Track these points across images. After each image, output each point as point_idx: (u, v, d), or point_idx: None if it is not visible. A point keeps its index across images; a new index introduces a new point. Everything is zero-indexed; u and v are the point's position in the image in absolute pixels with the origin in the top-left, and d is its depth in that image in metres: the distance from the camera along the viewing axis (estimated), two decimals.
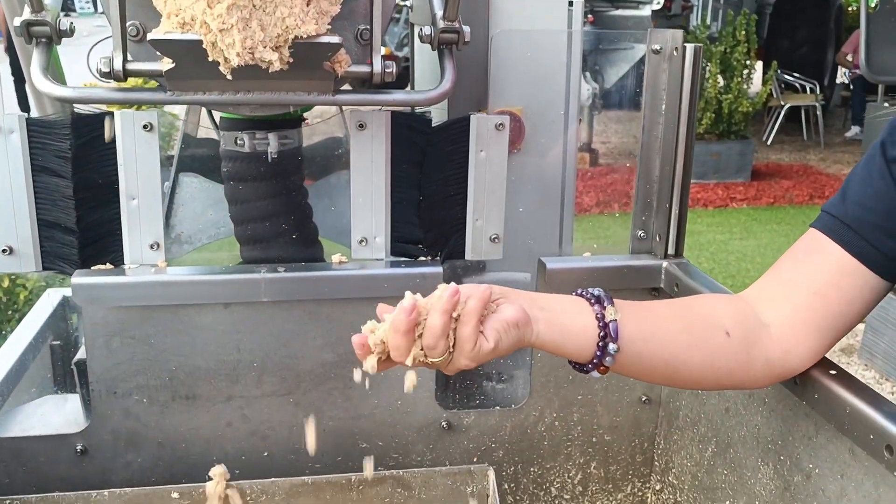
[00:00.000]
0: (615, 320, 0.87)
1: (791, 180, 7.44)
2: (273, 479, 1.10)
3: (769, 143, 8.88)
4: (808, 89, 9.12)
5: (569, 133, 1.44)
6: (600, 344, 0.86)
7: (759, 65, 7.80)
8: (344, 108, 1.42)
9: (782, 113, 8.89)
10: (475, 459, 1.36)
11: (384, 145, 1.22)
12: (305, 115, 1.33)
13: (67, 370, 1.62)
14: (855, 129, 9.31)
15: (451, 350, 0.83)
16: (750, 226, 6.22)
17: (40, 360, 1.63)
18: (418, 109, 1.29)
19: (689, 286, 1.25)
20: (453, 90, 1.13)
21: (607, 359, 0.87)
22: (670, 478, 1.39)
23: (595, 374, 0.89)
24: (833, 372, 0.92)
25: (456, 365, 0.84)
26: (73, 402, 1.46)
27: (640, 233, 1.36)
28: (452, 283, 0.83)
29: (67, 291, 1.76)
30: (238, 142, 1.23)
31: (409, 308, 0.82)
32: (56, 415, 1.42)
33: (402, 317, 0.82)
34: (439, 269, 1.24)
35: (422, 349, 0.83)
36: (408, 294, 0.84)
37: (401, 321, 0.82)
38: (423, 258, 1.29)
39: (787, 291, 0.93)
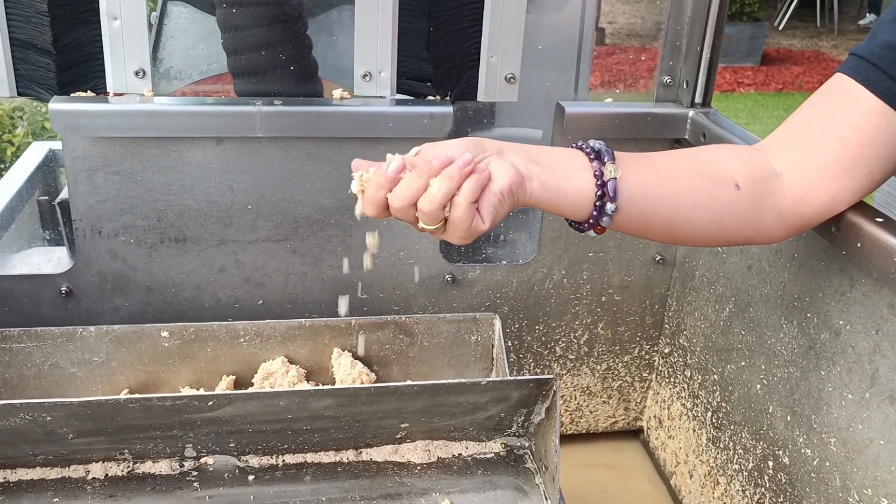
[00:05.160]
0: (614, 179, 0.79)
1: (801, 66, 7.24)
2: (268, 320, 1.04)
3: (781, 27, 8.60)
4: None
5: None
6: (597, 204, 0.80)
7: None
8: None
9: None
10: None
11: None
12: None
13: (55, 220, 1.55)
14: (870, 17, 9.00)
15: (444, 222, 0.76)
16: (756, 111, 6.07)
17: (28, 216, 1.55)
18: None
19: (717, 136, 1.17)
20: None
21: (604, 219, 0.80)
22: (681, 340, 1.34)
23: (591, 233, 0.82)
24: (880, 220, 0.85)
25: (446, 237, 0.78)
26: (61, 253, 1.39)
27: (667, 78, 1.26)
28: (466, 154, 0.75)
29: (54, 145, 1.68)
30: None
31: (397, 168, 0.75)
32: (43, 262, 1.36)
33: (386, 174, 0.75)
34: (449, 110, 1.14)
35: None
36: (395, 156, 0.77)
37: (382, 177, 0.76)
38: (431, 97, 1.19)
39: (803, 136, 0.86)
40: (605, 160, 0.80)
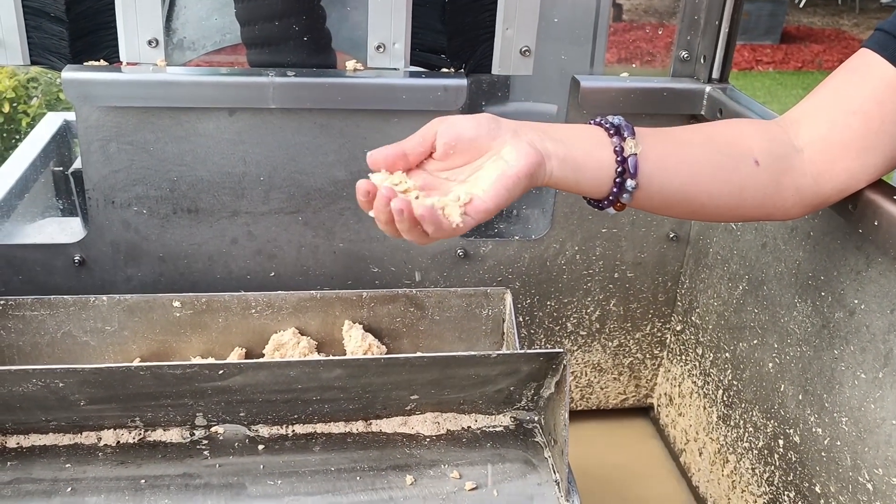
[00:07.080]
0: (635, 154, 0.78)
1: (822, 45, 7.15)
2: (279, 291, 1.04)
3: (801, 5, 8.49)
4: None
5: None
6: (617, 180, 0.78)
7: None
8: None
9: None
10: None
11: None
12: None
13: (69, 191, 1.55)
14: None
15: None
16: (775, 90, 6.01)
17: (42, 186, 1.56)
18: None
19: (734, 112, 1.15)
20: None
21: (624, 196, 0.79)
22: (693, 318, 1.33)
23: (611, 210, 0.81)
24: None
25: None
26: (75, 223, 1.40)
27: (684, 53, 1.24)
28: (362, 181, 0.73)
29: (69, 115, 1.68)
30: None
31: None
32: (56, 232, 1.36)
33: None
34: (463, 82, 1.13)
35: None
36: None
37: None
38: (445, 69, 1.18)
39: (824, 111, 0.84)
40: (626, 135, 0.79)
